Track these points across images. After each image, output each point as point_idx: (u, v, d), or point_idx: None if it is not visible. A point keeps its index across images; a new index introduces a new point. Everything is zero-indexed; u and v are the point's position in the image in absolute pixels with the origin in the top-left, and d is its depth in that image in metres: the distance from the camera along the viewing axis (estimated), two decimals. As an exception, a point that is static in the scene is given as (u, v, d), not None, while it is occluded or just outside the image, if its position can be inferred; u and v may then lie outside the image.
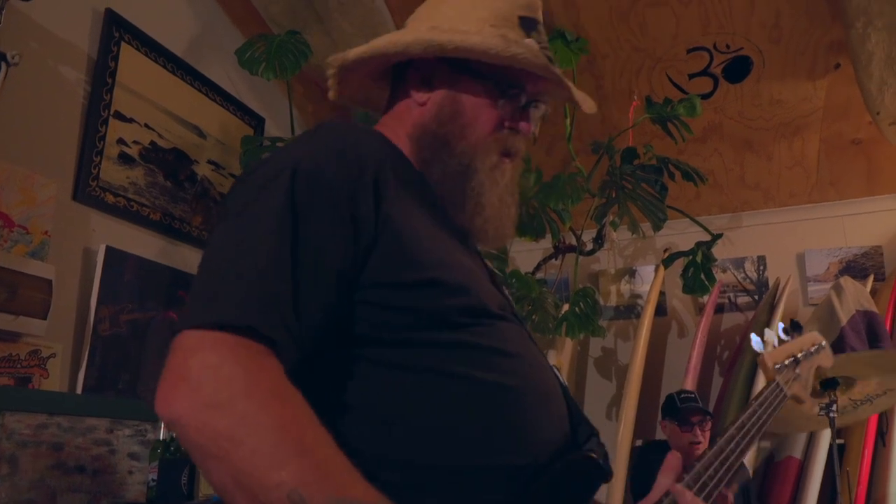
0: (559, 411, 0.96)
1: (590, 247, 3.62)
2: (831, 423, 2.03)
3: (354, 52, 1.08)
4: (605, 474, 0.96)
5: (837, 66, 3.05)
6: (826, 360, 1.43)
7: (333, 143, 0.92)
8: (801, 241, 3.83)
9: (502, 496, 0.85)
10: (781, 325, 1.40)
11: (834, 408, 2.02)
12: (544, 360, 1.01)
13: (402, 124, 1.08)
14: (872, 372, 2.08)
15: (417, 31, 1.07)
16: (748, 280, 3.92)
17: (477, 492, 0.84)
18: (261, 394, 0.72)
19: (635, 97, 3.20)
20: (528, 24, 1.12)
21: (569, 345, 3.62)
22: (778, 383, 1.26)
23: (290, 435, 0.71)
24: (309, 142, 0.93)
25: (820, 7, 2.81)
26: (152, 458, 2.05)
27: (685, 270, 3.08)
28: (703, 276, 2.96)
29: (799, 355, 1.33)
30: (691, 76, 3.18)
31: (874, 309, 3.27)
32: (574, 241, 3.69)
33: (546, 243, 3.79)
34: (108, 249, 2.42)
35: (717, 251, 3.95)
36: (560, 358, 3.52)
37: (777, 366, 1.30)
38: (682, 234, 3.93)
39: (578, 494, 0.93)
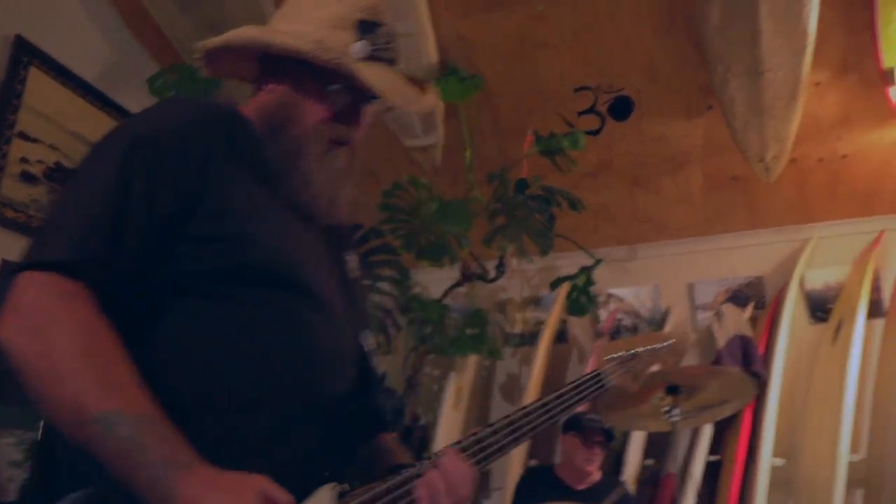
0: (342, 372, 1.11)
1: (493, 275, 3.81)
2: (672, 426, 2.21)
3: (212, 41, 1.23)
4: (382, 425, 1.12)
5: (710, 107, 3.32)
6: (673, 357, 1.53)
7: (170, 115, 1.10)
8: (690, 272, 4.08)
9: (280, 425, 1.02)
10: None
11: (675, 412, 2.20)
12: (339, 330, 1.15)
13: (255, 104, 1.22)
14: (712, 384, 2.28)
15: (263, 29, 1.22)
16: (644, 308, 4.14)
17: (261, 418, 1.01)
18: (70, 323, 0.90)
19: (529, 132, 3.42)
20: (365, 28, 1.27)
21: (470, 368, 3.78)
22: (599, 373, 1.39)
23: (91, 360, 0.89)
24: (151, 112, 1.11)
25: (688, 52, 3.08)
26: (26, 460, 2.13)
27: (570, 294, 3.27)
28: (584, 298, 3.16)
29: (637, 350, 1.46)
30: (580, 114, 3.42)
31: (749, 334, 3.51)
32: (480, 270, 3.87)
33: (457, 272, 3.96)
34: (4, 262, 2.50)
35: (615, 281, 4.20)
36: (460, 380, 3.66)
37: (609, 357, 1.43)
38: (583, 264, 4.17)
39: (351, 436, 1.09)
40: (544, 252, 3.18)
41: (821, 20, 2.90)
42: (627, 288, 4.18)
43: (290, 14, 1.23)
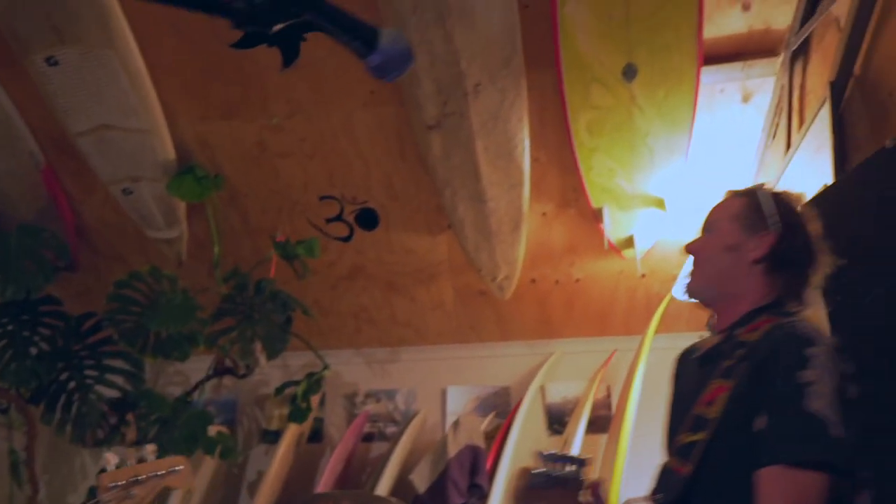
0: None
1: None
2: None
3: None
4: None
5: (449, 225, 3.47)
6: (181, 481, 1.62)
7: None
8: (445, 378, 4.18)
9: None
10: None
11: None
12: None
13: None
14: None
15: None
16: (398, 411, 4.19)
17: None
18: None
19: (279, 234, 3.46)
20: None
21: (208, 467, 3.67)
22: (98, 500, 1.43)
23: None
24: None
25: (421, 174, 3.23)
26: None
27: (293, 399, 3.27)
28: (304, 404, 3.16)
29: (141, 477, 1.51)
30: (328, 220, 3.49)
31: (481, 444, 3.62)
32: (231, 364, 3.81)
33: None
34: None
35: (375, 382, 4.27)
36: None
37: (112, 483, 1.47)
38: (346, 364, 4.22)
39: None
40: (271, 356, 3.18)
41: (537, 159, 3.14)
42: (386, 389, 4.23)
43: None
